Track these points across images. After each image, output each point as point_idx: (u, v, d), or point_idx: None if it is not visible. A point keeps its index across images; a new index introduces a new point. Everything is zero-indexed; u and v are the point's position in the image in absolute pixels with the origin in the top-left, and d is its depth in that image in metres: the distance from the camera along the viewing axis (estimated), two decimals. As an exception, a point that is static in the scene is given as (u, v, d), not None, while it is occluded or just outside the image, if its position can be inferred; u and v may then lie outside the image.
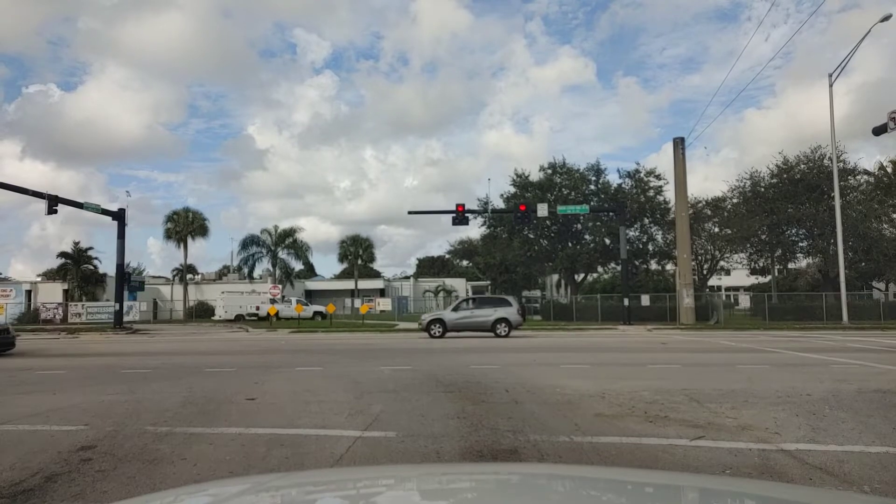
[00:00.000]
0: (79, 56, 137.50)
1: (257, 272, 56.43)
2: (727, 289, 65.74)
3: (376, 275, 72.93)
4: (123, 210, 35.36)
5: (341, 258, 61.09)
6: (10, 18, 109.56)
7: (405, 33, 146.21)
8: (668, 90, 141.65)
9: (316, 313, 44.74)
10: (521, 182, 44.76)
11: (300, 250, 54.92)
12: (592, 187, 44.50)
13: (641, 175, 43.15)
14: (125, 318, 35.86)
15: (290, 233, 54.31)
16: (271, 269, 55.32)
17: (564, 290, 57.31)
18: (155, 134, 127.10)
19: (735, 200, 41.82)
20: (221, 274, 67.76)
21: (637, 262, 44.43)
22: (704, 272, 46.36)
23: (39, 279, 56.00)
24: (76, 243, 51.10)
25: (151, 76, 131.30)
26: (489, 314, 23.26)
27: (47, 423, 6.54)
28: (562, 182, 44.34)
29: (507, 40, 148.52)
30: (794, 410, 6.69)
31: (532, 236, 45.15)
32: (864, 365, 11.45)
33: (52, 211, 31.13)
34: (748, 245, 41.55)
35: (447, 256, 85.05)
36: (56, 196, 31.59)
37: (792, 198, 37.22)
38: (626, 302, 33.18)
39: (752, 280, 62.77)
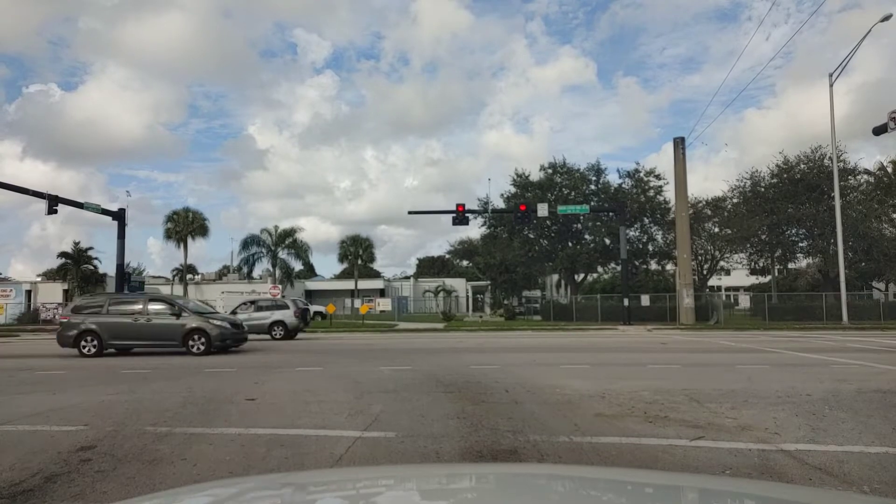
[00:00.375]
0: (79, 56, 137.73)
1: (257, 272, 56.46)
2: (727, 289, 65.71)
3: (376, 275, 72.92)
4: (123, 210, 35.38)
5: (341, 258, 61.09)
6: (10, 18, 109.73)
7: (406, 33, 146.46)
8: (668, 90, 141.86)
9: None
10: (522, 182, 44.73)
11: (300, 250, 54.94)
12: (592, 187, 44.47)
13: (641, 175, 43.12)
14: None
15: (290, 233, 54.31)
16: (271, 269, 55.31)
17: (564, 290, 57.29)
18: (155, 134, 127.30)
19: (735, 200, 41.78)
20: (221, 274, 67.76)
21: (637, 262, 44.39)
22: (704, 272, 46.34)
23: (39, 279, 55.98)
24: (76, 243, 51.18)
25: (152, 76, 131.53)
26: (266, 317, 23.68)
27: (47, 423, 6.54)
28: (562, 182, 44.32)
29: (507, 40, 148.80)
30: (794, 410, 6.69)
31: (532, 236, 45.12)
32: (863, 365, 11.45)
33: (52, 211, 31.13)
34: (748, 245, 41.51)
35: (447, 256, 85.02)
36: (56, 196, 31.59)
37: (792, 198, 37.20)
38: (626, 302, 33.18)
39: (752, 280, 62.79)
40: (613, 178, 45.50)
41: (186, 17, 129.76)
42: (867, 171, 40.79)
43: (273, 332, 23.30)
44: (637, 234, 43.76)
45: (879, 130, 25.05)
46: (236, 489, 1.78)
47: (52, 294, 47.88)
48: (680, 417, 6.41)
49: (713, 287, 54.37)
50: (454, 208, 34.24)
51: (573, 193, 43.28)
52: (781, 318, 32.99)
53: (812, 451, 4.99)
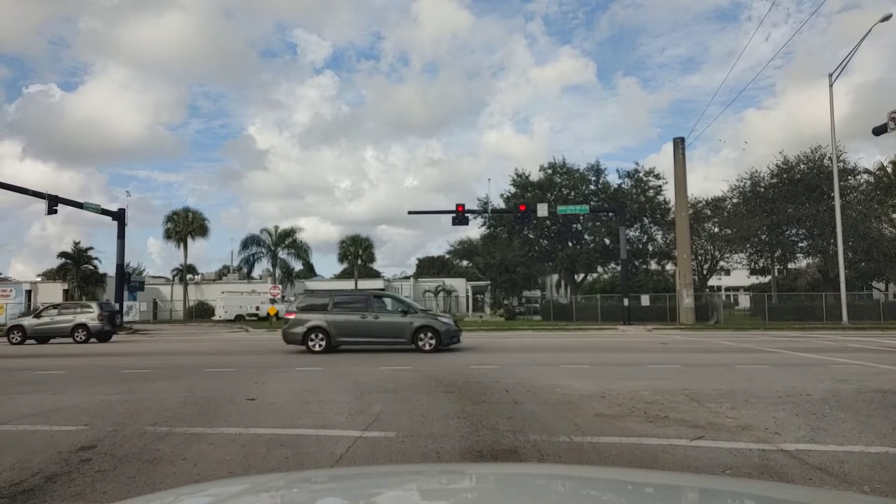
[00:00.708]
0: (79, 56, 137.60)
1: (257, 272, 56.52)
2: (727, 289, 65.72)
3: (376, 275, 72.86)
4: (123, 210, 35.43)
5: (341, 258, 61.04)
6: (10, 18, 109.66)
7: (406, 33, 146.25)
8: (668, 90, 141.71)
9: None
10: (521, 182, 44.75)
11: (300, 250, 54.96)
12: (592, 187, 44.49)
13: (641, 175, 43.17)
14: (125, 319, 35.91)
15: (290, 233, 54.33)
16: (271, 269, 55.34)
17: (564, 290, 57.31)
18: (155, 134, 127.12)
19: (735, 200, 41.81)
20: (221, 274, 67.81)
21: (637, 262, 44.41)
22: (704, 272, 46.35)
23: (39, 279, 56.02)
24: (76, 243, 51.24)
25: (152, 76, 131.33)
26: (69, 320, 23.62)
27: (47, 423, 6.54)
28: (562, 182, 44.34)
29: (507, 40, 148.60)
30: (794, 410, 6.69)
31: (532, 236, 45.15)
32: (863, 365, 11.45)
33: (52, 211, 31.17)
34: (748, 245, 41.51)
35: (447, 256, 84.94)
36: (56, 196, 31.63)
37: (792, 198, 37.21)
38: (625, 302, 33.19)
39: (752, 280, 62.78)
40: (613, 179, 45.62)
41: (187, 18, 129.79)
42: (867, 171, 40.88)
43: (76, 335, 23.23)
44: (637, 234, 43.79)
45: (879, 130, 25.06)
46: (236, 489, 1.78)
47: (52, 294, 47.88)
48: (680, 417, 6.41)
49: (713, 287, 54.38)
50: (454, 208, 34.26)
51: (573, 193, 43.31)
52: (781, 318, 33.00)
53: (812, 450, 4.98)
